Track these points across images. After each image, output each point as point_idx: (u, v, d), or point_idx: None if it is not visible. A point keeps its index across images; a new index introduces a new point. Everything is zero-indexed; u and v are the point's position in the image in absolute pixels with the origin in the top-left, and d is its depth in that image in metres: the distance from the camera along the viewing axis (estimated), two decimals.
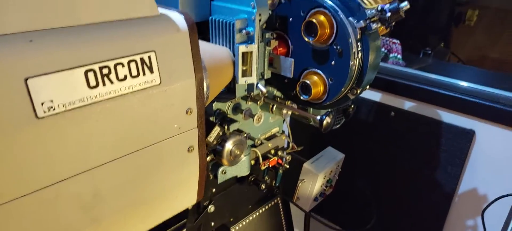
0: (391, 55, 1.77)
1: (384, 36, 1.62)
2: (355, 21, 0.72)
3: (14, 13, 0.36)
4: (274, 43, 0.74)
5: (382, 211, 1.28)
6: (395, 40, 1.76)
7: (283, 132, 1.05)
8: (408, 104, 1.23)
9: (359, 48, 0.74)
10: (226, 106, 0.83)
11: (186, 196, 0.61)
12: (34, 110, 0.38)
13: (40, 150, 0.40)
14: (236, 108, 0.87)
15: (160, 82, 0.48)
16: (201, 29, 0.77)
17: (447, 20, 1.96)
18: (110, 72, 0.43)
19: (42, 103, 0.38)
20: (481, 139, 1.09)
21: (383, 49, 1.81)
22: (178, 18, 0.50)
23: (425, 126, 1.19)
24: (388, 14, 0.70)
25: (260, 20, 0.68)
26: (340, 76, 0.75)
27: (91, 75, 0.41)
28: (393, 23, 0.73)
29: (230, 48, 0.70)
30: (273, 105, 0.92)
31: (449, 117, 1.14)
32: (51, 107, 0.39)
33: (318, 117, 0.80)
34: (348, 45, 0.72)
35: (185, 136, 0.55)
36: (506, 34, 1.97)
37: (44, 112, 0.39)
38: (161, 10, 0.50)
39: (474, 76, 1.34)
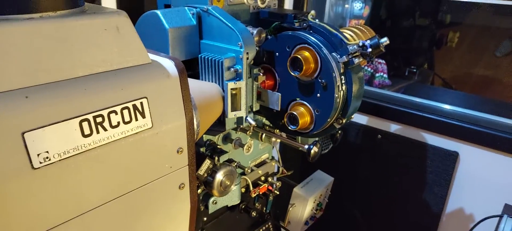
0: (377, 75, 1.82)
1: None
2: (338, 56, 0.76)
3: (11, 72, 0.38)
4: (261, 78, 0.77)
5: None
6: (380, 61, 1.82)
7: (272, 158, 1.07)
8: (394, 127, 1.27)
9: (343, 81, 0.77)
10: (216, 137, 0.85)
11: None
12: (30, 161, 0.39)
13: (35, 198, 0.41)
14: (226, 138, 0.89)
15: (152, 126, 0.50)
16: (191, 66, 0.80)
17: (429, 42, 2.03)
18: (103, 120, 0.45)
19: (38, 155, 0.40)
20: (465, 160, 1.12)
21: (369, 69, 1.86)
22: (168, 64, 0.53)
23: (411, 148, 1.22)
24: (369, 49, 0.74)
25: (247, 58, 0.71)
26: (326, 107, 0.78)
27: (85, 124, 0.43)
28: (374, 57, 0.77)
29: (219, 84, 0.73)
30: (262, 134, 0.94)
31: (434, 139, 1.18)
32: (47, 158, 0.41)
33: (306, 146, 0.83)
34: (332, 79, 0.75)
35: (176, 174, 0.56)
36: (486, 53, 2.04)
37: (40, 163, 0.40)
38: (152, 57, 0.52)
39: (455, 99, 1.38)
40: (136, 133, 0.49)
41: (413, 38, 1.99)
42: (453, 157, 1.13)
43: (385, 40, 0.75)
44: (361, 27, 0.93)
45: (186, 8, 0.75)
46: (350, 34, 0.88)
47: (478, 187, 1.10)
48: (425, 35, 2.00)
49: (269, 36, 0.83)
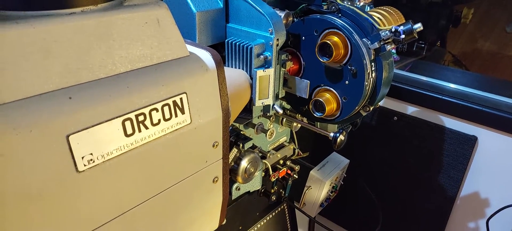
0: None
1: None
2: (369, 42, 0.73)
3: (54, 71, 0.36)
4: (289, 64, 0.75)
5: (385, 214, 1.31)
6: None
7: (291, 141, 1.06)
8: (411, 109, 1.25)
9: (373, 68, 0.75)
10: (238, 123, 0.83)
11: (210, 223, 0.62)
12: (75, 165, 0.38)
13: (79, 201, 0.40)
14: (248, 123, 0.87)
15: (191, 122, 0.48)
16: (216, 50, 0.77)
17: (439, 17, 1.97)
18: (145, 118, 0.43)
19: (83, 157, 0.38)
20: (483, 145, 1.12)
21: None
22: (206, 56, 0.50)
23: (428, 131, 1.21)
24: (402, 36, 0.71)
25: (277, 45, 0.68)
26: (354, 95, 0.76)
27: (128, 124, 0.41)
28: (406, 45, 0.74)
29: (246, 70, 0.71)
30: (283, 119, 0.93)
31: (451, 123, 1.17)
32: (91, 160, 0.39)
33: (332, 134, 0.81)
34: (362, 66, 0.73)
35: (211, 168, 0.55)
36: (498, 26, 1.99)
37: (84, 165, 0.39)
38: (190, 48, 0.50)
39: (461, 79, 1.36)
40: (176, 130, 0.47)
41: (422, 11, 1.93)
42: (471, 141, 1.12)
43: (418, 26, 0.72)
44: (389, 9, 0.89)
45: None
46: (378, 17, 0.84)
47: (496, 173, 1.10)
48: (435, 9, 1.94)
49: (295, 19, 0.79)
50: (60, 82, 0.37)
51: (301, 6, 0.79)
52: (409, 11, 1.86)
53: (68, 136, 0.37)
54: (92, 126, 0.38)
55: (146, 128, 0.43)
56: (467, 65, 1.89)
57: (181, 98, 0.46)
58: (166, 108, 0.45)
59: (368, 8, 1.19)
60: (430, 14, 1.84)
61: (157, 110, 0.44)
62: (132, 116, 0.41)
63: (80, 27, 0.37)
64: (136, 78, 0.42)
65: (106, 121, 0.39)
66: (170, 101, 0.45)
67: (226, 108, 0.53)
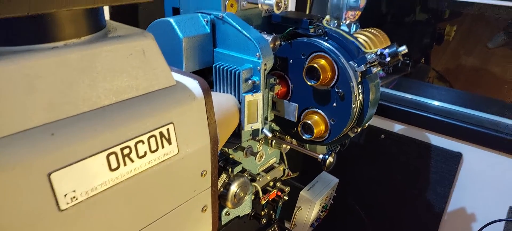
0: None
1: None
2: (356, 65, 0.74)
3: (36, 107, 0.35)
4: (277, 88, 0.75)
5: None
6: None
7: (281, 162, 1.06)
8: (397, 127, 1.27)
9: (360, 90, 0.75)
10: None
11: None
12: (57, 203, 0.36)
13: None
14: (237, 147, 0.87)
15: (178, 152, 0.47)
16: (203, 74, 0.77)
17: (424, 34, 2.02)
18: (131, 151, 0.42)
19: (65, 195, 0.37)
20: (469, 161, 1.13)
21: None
22: (193, 85, 0.49)
23: (414, 148, 1.22)
24: (388, 58, 0.72)
25: (265, 69, 0.68)
26: (342, 117, 0.76)
27: (112, 158, 0.40)
28: (391, 66, 0.75)
29: (235, 95, 0.70)
30: (272, 141, 0.92)
31: (437, 140, 1.18)
32: (74, 197, 0.38)
33: (321, 156, 0.81)
34: (349, 89, 0.73)
35: (199, 197, 0.54)
36: (480, 42, 2.05)
37: (67, 203, 0.37)
38: (176, 77, 0.49)
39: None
40: (163, 161, 0.46)
41: (407, 29, 1.97)
42: (456, 157, 1.14)
43: (403, 49, 0.73)
44: (375, 31, 0.91)
45: (199, 14, 0.71)
46: (364, 40, 0.85)
47: (481, 188, 1.12)
48: (420, 27, 1.99)
49: (282, 42, 0.80)
50: (43, 118, 0.36)
51: (288, 30, 0.80)
52: (394, 29, 1.91)
53: (49, 174, 0.35)
54: (75, 162, 0.37)
55: (132, 161, 0.42)
56: (451, 81, 1.93)
57: (167, 129, 0.45)
58: (152, 140, 0.44)
59: (354, 26, 1.21)
60: (414, 32, 1.88)
61: (143, 142, 0.43)
62: (117, 149, 0.40)
63: (63, 61, 0.36)
64: (121, 111, 0.41)
65: (90, 156, 0.38)
66: (156, 133, 0.44)
67: (214, 136, 0.53)
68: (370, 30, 0.92)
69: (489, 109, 1.17)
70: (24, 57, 0.34)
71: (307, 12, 1.43)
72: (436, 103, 1.23)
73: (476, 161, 1.12)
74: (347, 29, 1.15)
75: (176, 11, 0.82)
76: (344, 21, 1.44)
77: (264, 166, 1.00)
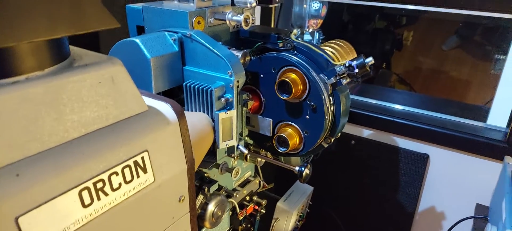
0: None
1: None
2: (326, 77, 0.75)
3: None
4: (251, 103, 0.75)
5: None
6: None
7: (255, 175, 1.05)
8: (366, 133, 1.31)
9: (331, 102, 0.77)
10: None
11: None
12: None
13: None
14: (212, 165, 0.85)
15: (154, 180, 0.46)
16: (173, 92, 0.75)
17: (383, 39, 2.10)
18: (104, 184, 0.40)
19: None
20: (435, 162, 1.18)
21: None
22: (165, 108, 0.48)
23: (384, 152, 1.26)
24: (356, 70, 0.74)
25: (238, 86, 0.68)
26: (316, 129, 0.77)
27: (85, 193, 0.38)
28: (360, 77, 0.77)
29: (207, 113, 0.69)
30: (247, 155, 0.92)
31: (405, 143, 1.23)
32: None
33: (297, 168, 0.82)
34: (321, 101, 0.74)
35: (178, 224, 0.52)
36: (435, 45, 2.16)
37: None
38: (148, 102, 0.48)
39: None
40: (139, 191, 0.44)
41: (368, 36, 2.05)
42: (424, 159, 1.19)
43: (370, 60, 0.75)
44: (340, 43, 0.93)
45: (166, 33, 0.69)
46: (331, 52, 0.88)
47: (449, 187, 1.17)
48: (380, 34, 2.07)
49: (252, 57, 0.80)
50: (5, 158, 0.33)
51: (257, 45, 0.80)
52: (355, 36, 1.98)
53: (17, 218, 0.33)
54: (45, 202, 0.34)
55: (106, 194, 0.40)
56: (411, 84, 2.02)
57: (142, 157, 0.44)
58: (126, 170, 0.42)
59: (317, 34, 1.23)
60: (375, 39, 1.96)
61: (117, 173, 0.41)
62: (89, 184, 0.38)
63: (25, 96, 0.34)
64: (92, 143, 0.39)
65: (60, 194, 0.36)
66: (130, 162, 0.42)
67: (191, 159, 0.51)
68: (336, 42, 0.94)
69: (449, 111, 1.23)
70: None
71: (273, 24, 1.45)
72: (400, 107, 1.28)
73: (442, 161, 1.17)
74: (310, 37, 1.18)
75: (140, 30, 0.80)
76: (307, 29, 1.46)
77: (240, 181, 0.99)
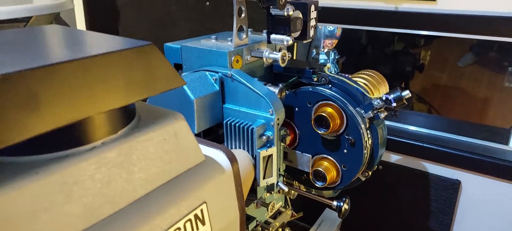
0: None
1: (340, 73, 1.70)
2: (363, 111, 0.75)
3: (74, 215, 0.33)
4: (288, 139, 0.75)
5: None
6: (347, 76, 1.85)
7: (286, 205, 1.04)
8: (394, 158, 1.29)
9: (369, 135, 0.76)
10: None
11: None
12: None
13: None
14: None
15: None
16: (211, 129, 0.75)
17: (397, 57, 2.08)
18: None
19: None
20: (467, 188, 1.16)
21: None
22: (220, 157, 0.48)
23: (413, 177, 1.24)
24: (394, 104, 0.74)
25: (278, 124, 0.68)
26: (354, 163, 0.77)
27: None
28: (398, 111, 0.77)
29: (247, 150, 0.69)
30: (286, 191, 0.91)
31: (435, 168, 1.21)
32: None
33: (335, 203, 0.81)
34: (360, 135, 0.74)
35: None
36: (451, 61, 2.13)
37: None
38: (203, 150, 0.48)
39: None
40: None
41: (382, 54, 2.04)
42: (455, 185, 1.16)
43: (407, 93, 0.75)
44: (371, 73, 0.93)
45: (207, 73, 0.70)
46: (364, 83, 0.88)
47: (483, 214, 1.14)
48: (394, 51, 2.06)
49: (287, 91, 0.80)
50: (80, 224, 0.33)
51: (292, 79, 0.81)
52: (372, 57, 1.97)
53: None
54: None
55: None
56: (435, 106, 1.99)
57: (201, 210, 0.44)
58: (188, 225, 0.42)
59: (333, 53, 1.23)
60: (396, 61, 1.94)
61: (179, 229, 0.41)
62: None
63: (101, 161, 0.34)
64: (157, 200, 0.39)
65: None
66: (191, 216, 0.42)
67: (242, 206, 0.51)
68: (366, 72, 0.94)
69: (479, 135, 1.21)
70: (62, 165, 0.32)
71: (296, 54, 1.46)
72: (427, 131, 1.26)
73: (475, 187, 1.15)
74: (326, 57, 1.18)
75: (177, 67, 0.81)
76: (322, 49, 1.46)
77: (271, 213, 0.99)
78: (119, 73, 0.33)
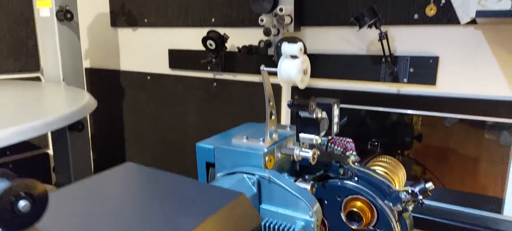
0: (347, 153, 1.88)
1: (338, 136, 1.71)
2: (391, 204, 0.79)
3: None
4: None
5: None
6: (349, 140, 1.87)
7: None
8: None
9: (399, 228, 0.79)
10: None
11: None
12: None
13: None
14: None
15: None
16: None
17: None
18: None
19: None
20: None
21: (339, 148, 1.91)
22: None
23: None
24: (420, 197, 0.78)
25: (318, 225, 0.70)
26: None
27: None
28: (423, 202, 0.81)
29: None
30: None
31: None
32: None
33: None
34: (391, 228, 0.77)
35: None
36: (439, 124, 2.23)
37: None
38: None
39: None
40: None
41: (382, 128, 2.11)
42: None
43: (430, 186, 0.79)
44: (386, 159, 0.98)
45: (245, 176, 0.74)
46: (383, 171, 0.92)
47: None
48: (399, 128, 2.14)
49: (316, 186, 0.84)
50: None
51: (319, 173, 0.85)
52: (372, 129, 2.05)
53: None
54: None
55: None
56: (437, 176, 2.04)
57: None
58: None
59: (353, 154, 1.28)
60: (395, 133, 2.01)
61: None
62: None
63: None
64: None
65: None
66: None
67: None
68: (381, 159, 1.00)
69: (487, 207, 1.25)
70: None
71: None
72: (446, 206, 1.30)
73: None
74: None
75: (209, 165, 0.84)
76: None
77: None
78: None
